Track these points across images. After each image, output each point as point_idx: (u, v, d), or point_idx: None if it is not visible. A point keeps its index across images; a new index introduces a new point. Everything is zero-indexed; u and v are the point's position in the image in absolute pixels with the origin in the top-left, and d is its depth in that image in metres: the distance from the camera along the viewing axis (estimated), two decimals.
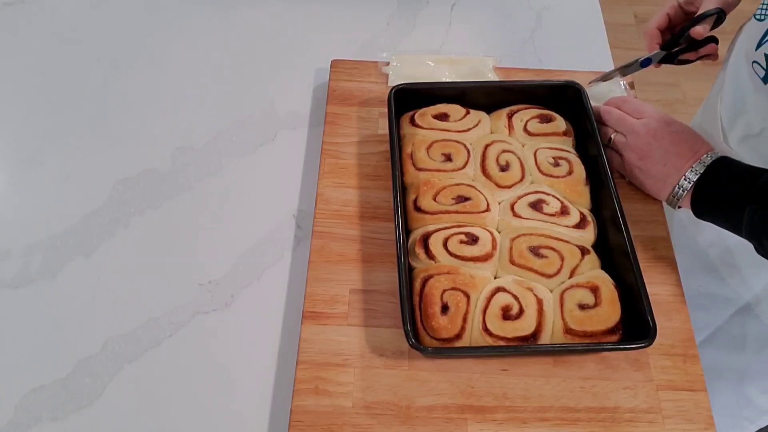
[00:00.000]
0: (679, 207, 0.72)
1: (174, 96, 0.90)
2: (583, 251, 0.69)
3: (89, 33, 0.97)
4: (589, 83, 0.85)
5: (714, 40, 0.83)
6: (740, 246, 0.80)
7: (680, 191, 0.70)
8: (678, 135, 0.72)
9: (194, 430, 0.64)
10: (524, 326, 0.63)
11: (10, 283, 0.72)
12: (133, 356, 0.68)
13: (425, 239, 0.68)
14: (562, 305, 0.65)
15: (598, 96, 0.84)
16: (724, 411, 0.93)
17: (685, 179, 0.69)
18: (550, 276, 0.67)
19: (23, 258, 0.74)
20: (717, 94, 0.86)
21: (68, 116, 0.87)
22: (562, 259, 0.67)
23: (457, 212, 0.70)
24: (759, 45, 0.73)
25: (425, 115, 0.79)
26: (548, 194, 0.73)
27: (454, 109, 0.80)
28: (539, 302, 0.65)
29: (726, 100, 0.82)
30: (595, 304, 0.65)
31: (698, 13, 0.79)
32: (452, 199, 0.71)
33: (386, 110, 0.78)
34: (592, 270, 0.68)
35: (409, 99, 0.80)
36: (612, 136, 0.77)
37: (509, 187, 0.73)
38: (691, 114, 0.97)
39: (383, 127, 0.82)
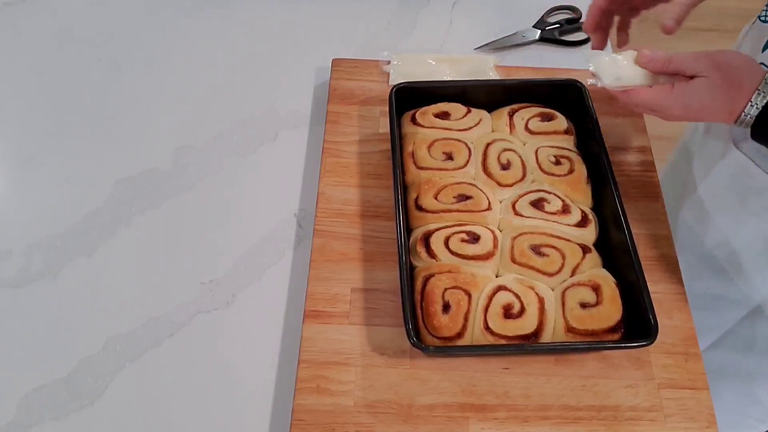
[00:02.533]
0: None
1: (174, 96, 0.90)
2: (585, 250, 0.69)
3: (90, 33, 0.97)
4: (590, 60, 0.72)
5: None
6: (746, 249, 0.79)
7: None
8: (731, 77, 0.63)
9: (196, 429, 0.65)
10: (525, 325, 0.63)
11: (11, 283, 0.72)
12: (135, 355, 0.68)
13: (426, 238, 0.68)
14: (563, 304, 0.65)
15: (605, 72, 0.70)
16: (731, 411, 0.92)
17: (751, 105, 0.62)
18: (551, 274, 0.67)
19: (24, 258, 0.74)
20: None
21: (69, 116, 0.87)
22: (564, 257, 0.67)
23: (458, 211, 0.70)
24: (766, 47, 0.72)
25: (426, 113, 0.79)
26: (549, 193, 0.72)
27: (455, 108, 0.80)
28: (540, 301, 0.65)
29: None
30: (597, 303, 0.65)
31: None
32: (453, 197, 0.71)
33: (387, 109, 0.78)
34: (593, 268, 0.68)
35: (410, 98, 0.80)
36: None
37: (510, 185, 0.73)
38: None
39: (384, 126, 0.82)
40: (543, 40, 0.95)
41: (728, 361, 0.89)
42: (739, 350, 0.88)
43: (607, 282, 0.66)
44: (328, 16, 1.00)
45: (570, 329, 0.64)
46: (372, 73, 0.89)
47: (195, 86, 0.91)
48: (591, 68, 0.71)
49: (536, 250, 0.68)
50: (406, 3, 1.01)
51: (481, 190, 0.72)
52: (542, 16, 0.98)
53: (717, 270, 0.85)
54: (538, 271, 0.67)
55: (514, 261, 0.67)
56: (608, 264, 0.69)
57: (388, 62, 0.90)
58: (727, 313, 0.87)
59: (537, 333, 0.63)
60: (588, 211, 0.73)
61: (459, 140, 0.76)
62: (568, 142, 0.78)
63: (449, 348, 0.64)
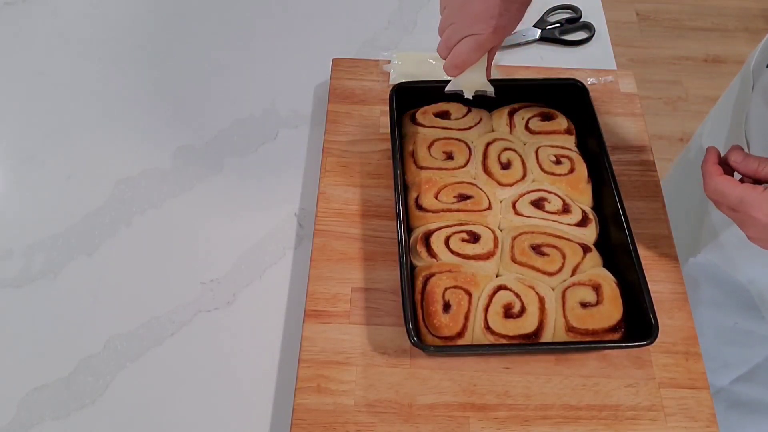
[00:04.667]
0: None
1: (175, 95, 0.90)
2: (585, 249, 0.69)
3: (90, 32, 0.97)
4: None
5: None
6: None
7: None
8: None
9: (196, 428, 0.65)
10: (526, 324, 0.63)
11: (12, 283, 0.72)
12: (136, 355, 0.68)
13: (427, 237, 0.68)
14: (564, 303, 0.65)
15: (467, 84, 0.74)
16: None
17: None
18: (551, 274, 0.67)
19: (25, 257, 0.74)
20: (739, 117, 0.80)
21: (69, 115, 0.87)
22: (564, 257, 0.67)
23: (458, 210, 0.70)
24: None
25: (426, 113, 0.79)
26: (550, 192, 0.73)
27: (456, 107, 0.80)
28: (541, 300, 0.65)
29: (756, 131, 0.76)
30: (597, 302, 0.65)
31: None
32: (454, 197, 0.71)
33: (387, 108, 0.78)
34: (593, 268, 0.68)
35: (411, 97, 0.80)
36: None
37: (511, 185, 0.73)
38: (693, 112, 0.96)
39: (384, 126, 0.82)
40: (543, 39, 0.95)
41: (758, 395, 0.86)
42: None
43: (608, 281, 0.66)
44: (328, 16, 1.00)
45: (570, 329, 0.64)
46: (372, 73, 0.89)
47: (195, 85, 0.91)
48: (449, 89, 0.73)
49: (537, 249, 0.68)
50: (406, 2, 1.01)
51: (481, 190, 0.72)
52: (542, 16, 0.98)
53: (747, 306, 0.82)
54: (539, 270, 0.67)
55: (514, 260, 0.67)
56: (609, 263, 0.69)
57: (389, 61, 0.90)
58: (758, 348, 0.84)
59: (537, 332, 0.63)
60: (588, 210, 0.73)
61: (459, 139, 0.76)
62: (569, 141, 0.78)
63: (450, 347, 0.64)
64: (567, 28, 0.97)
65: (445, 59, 0.68)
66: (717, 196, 0.61)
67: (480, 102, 0.80)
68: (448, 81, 0.88)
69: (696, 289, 0.72)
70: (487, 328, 0.63)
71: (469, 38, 0.65)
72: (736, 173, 0.63)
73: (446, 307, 0.64)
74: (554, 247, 0.68)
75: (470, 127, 0.78)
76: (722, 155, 0.64)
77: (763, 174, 0.60)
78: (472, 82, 0.72)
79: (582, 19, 0.97)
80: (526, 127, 0.78)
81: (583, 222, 0.71)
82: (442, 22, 0.68)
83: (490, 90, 0.73)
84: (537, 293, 0.65)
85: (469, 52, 0.66)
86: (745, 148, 0.78)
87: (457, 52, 0.66)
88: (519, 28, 0.95)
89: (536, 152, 0.76)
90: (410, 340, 0.62)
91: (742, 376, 0.87)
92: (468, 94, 0.74)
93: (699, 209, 0.86)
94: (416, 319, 0.65)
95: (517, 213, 0.71)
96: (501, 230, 0.70)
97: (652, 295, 0.64)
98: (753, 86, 0.79)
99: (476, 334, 0.63)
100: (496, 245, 0.68)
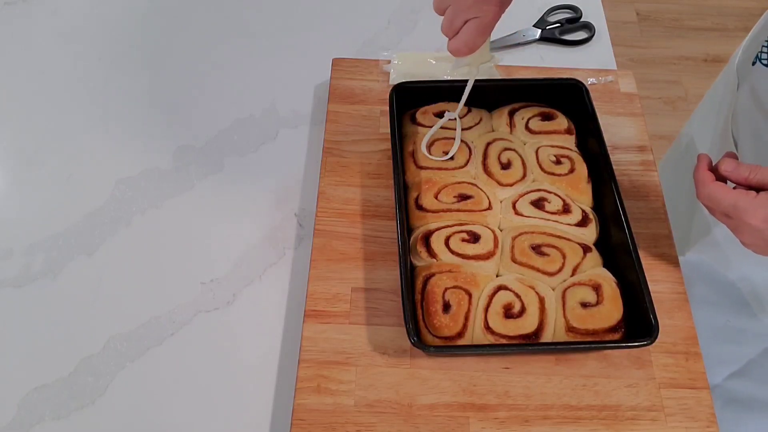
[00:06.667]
0: None
1: (175, 95, 0.90)
2: (585, 249, 0.69)
3: (90, 32, 0.97)
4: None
5: None
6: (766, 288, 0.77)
7: None
8: None
9: (196, 428, 0.65)
10: (526, 324, 0.63)
11: (12, 283, 0.72)
12: (136, 355, 0.68)
13: (427, 237, 0.68)
14: (564, 303, 0.65)
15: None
16: None
17: None
18: (552, 274, 0.67)
19: (25, 257, 0.74)
20: (726, 115, 0.81)
21: (70, 115, 0.87)
22: (564, 257, 0.67)
23: (458, 210, 0.70)
24: None
25: (426, 113, 0.79)
26: (550, 192, 0.73)
27: (455, 107, 0.80)
28: (541, 300, 0.65)
29: (744, 129, 0.77)
30: (597, 302, 0.65)
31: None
32: (454, 197, 0.71)
33: (387, 108, 0.78)
34: (594, 268, 0.68)
35: (411, 97, 0.80)
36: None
37: (511, 185, 0.73)
38: (693, 112, 0.96)
39: (384, 126, 0.82)
40: (543, 39, 0.95)
41: (751, 391, 0.86)
42: (762, 381, 0.85)
43: (608, 281, 0.66)
44: (328, 15, 1.00)
45: (571, 329, 0.64)
46: (372, 73, 0.89)
47: (195, 85, 0.91)
48: (455, 67, 0.71)
49: (537, 249, 0.68)
50: (406, 2, 1.01)
51: (481, 190, 0.72)
52: (542, 16, 0.98)
53: (739, 304, 0.82)
54: (539, 270, 0.67)
55: (514, 260, 0.67)
56: (609, 263, 0.69)
57: (389, 61, 0.90)
58: (751, 345, 0.84)
59: (537, 332, 0.63)
60: (588, 210, 0.73)
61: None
62: (569, 141, 0.78)
63: (450, 348, 0.64)
64: (567, 28, 0.97)
65: (449, 39, 0.66)
66: (710, 202, 0.60)
67: (480, 102, 0.81)
68: (449, 81, 0.88)
69: (688, 286, 0.72)
70: (487, 328, 0.63)
71: (474, 21, 0.63)
72: (729, 182, 0.63)
73: (446, 307, 0.64)
74: (554, 247, 0.68)
75: (470, 127, 0.78)
76: (712, 157, 0.64)
77: (755, 181, 0.59)
78: (476, 57, 0.69)
79: (582, 19, 0.98)
80: (527, 127, 0.78)
81: (583, 222, 0.71)
82: (438, 1, 0.65)
83: (495, 59, 0.70)
84: (537, 293, 0.65)
85: (476, 36, 0.64)
86: (733, 146, 0.78)
87: (463, 39, 0.64)
88: (519, 28, 0.96)
89: (536, 152, 0.76)
90: (410, 340, 0.62)
91: (736, 372, 0.87)
92: (474, 69, 0.71)
93: (689, 207, 0.86)
94: (416, 319, 0.65)
95: (517, 213, 0.71)
96: (501, 230, 0.71)
97: (652, 295, 0.64)
98: (738, 85, 0.79)
99: (476, 334, 0.63)
100: (496, 245, 0.68)
